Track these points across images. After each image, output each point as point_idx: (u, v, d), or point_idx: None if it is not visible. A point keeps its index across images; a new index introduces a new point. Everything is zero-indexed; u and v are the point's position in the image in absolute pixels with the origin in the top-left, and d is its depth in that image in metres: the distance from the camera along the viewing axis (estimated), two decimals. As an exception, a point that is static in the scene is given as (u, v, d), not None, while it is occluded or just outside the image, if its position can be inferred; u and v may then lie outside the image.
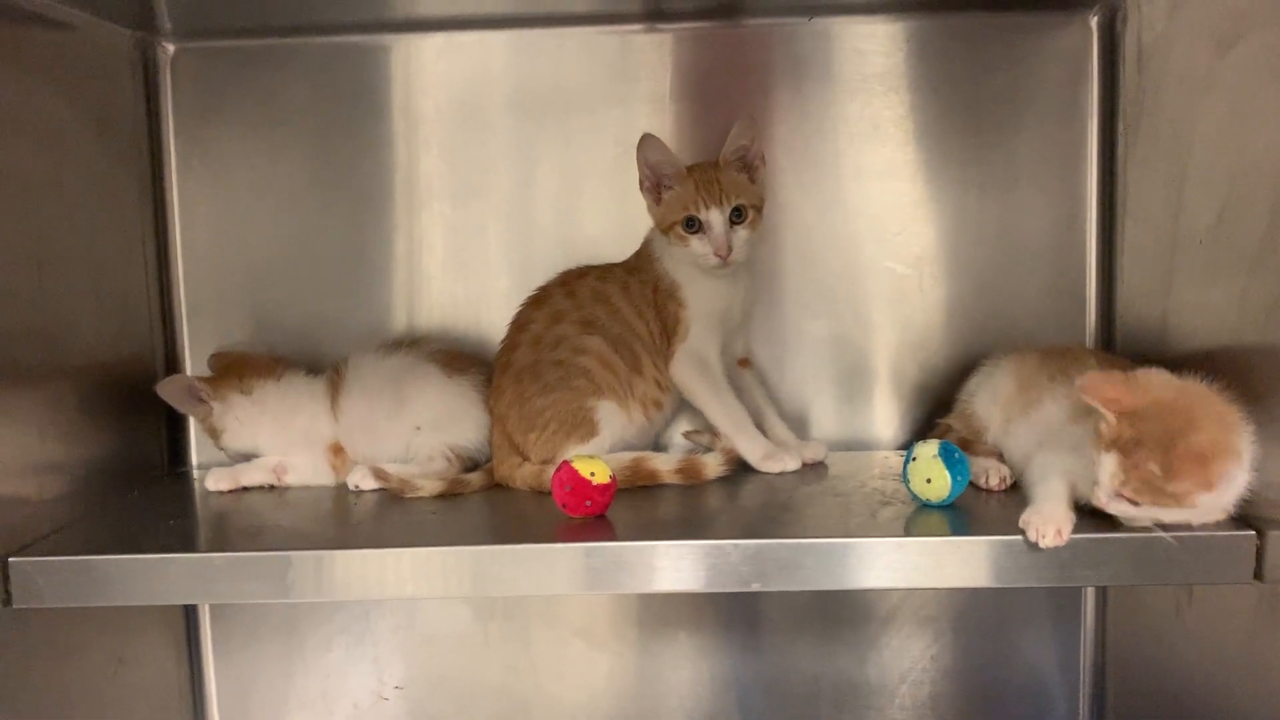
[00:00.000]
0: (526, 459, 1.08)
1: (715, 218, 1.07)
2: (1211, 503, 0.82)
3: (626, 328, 1.11)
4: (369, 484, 1.07)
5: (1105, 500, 0.83)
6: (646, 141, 1.09)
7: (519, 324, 1.14)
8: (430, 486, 1.05)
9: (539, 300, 1.14)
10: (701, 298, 1.11)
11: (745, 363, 1.18)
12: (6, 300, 0.94)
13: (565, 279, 1.15)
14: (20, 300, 0.96)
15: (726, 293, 1.12)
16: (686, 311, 1.11)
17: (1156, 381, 0.85)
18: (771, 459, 1.09)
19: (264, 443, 1.13)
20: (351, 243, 1.24)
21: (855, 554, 0.86)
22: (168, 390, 1.12)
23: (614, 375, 1.09)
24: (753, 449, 1.09)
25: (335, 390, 1.14)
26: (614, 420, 1.08)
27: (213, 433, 1.14)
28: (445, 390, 1.13)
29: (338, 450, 1.13)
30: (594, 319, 1.10)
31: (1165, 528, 0.84)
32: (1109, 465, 0.82)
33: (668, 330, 1.12)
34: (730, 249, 1.06)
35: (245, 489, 1.11)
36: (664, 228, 1.10)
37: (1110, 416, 0.83)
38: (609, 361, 1.09)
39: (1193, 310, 0.98)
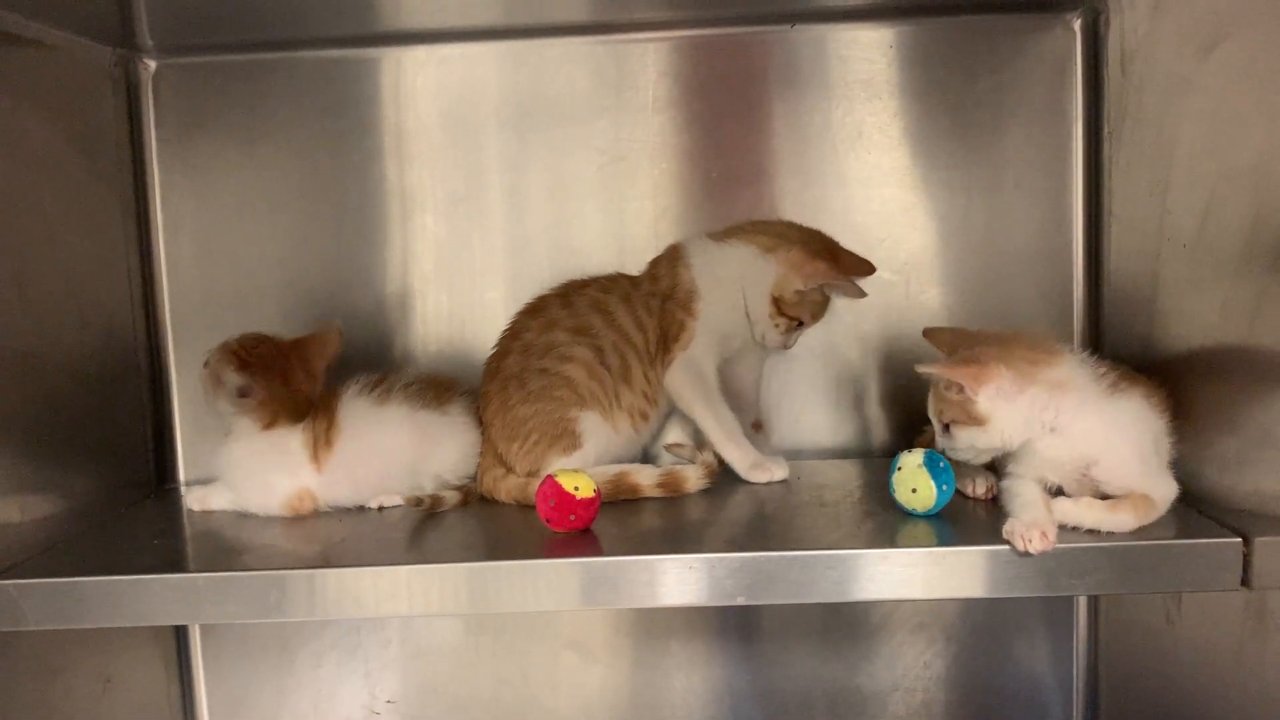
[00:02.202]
0: (510, 470, 1.08)
1: (807, 330, 1.15)
2: (991, 411, 0.89)
3: (621, 336, 1.10)
4: (393, 500, 1.07)
5: (938, 438, 0.94)
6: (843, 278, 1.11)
7: (513, 331, 1.13)
8: (451, 498, 1.06)
9: (535, 309, 1.14)
10: (715, 315, 1.11)
11: (758, 426, 1.19)
12: (-13, 321, 0.94)
13: (565, 289, 1.14)
14: (2, 321, 0.96)
15: (740, 322, 1.13)
16: (695, 322, 1.11)
17: (995, 329, 0.97)
18: (759, 469, 1.08)
19: (226, 473, 1.07)
20: (339, 257, 1.24)
21: (841, 566, 0.85)
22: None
23: (599, 385, 1.08)
24: (741, 459, 1.09)
25: (322, 443, 1.05)
26: (598, 432, 1.08)
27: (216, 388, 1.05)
28: (454, 430, 1.11)
29: (300, 499, 1.05)
30: (588, 327, 1.10)
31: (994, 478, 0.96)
32: (930, 398, 0.95)
33: (668, 338, 1.11)
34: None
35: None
36: (786, 312, 1.11)
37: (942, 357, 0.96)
38: (595, 371, 1.08)
39: (1178, 314, 0.98)
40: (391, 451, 1.07)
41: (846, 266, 1.10)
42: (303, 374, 1.07)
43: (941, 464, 0.92)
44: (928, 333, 1.00)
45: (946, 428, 0.93)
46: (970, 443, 0.91)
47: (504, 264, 1.23)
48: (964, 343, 0.95)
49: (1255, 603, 0.87)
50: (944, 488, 0.91)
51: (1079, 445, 0.89)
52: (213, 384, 1.05)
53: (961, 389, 0.89)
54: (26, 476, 0.98)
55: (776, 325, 1.12)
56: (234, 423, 1.06)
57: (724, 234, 1.14)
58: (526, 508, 1.03)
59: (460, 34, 1.19)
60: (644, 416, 1.12)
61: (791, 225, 1.15)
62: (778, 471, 1.09)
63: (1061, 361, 0.90)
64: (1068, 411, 0.88)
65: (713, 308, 1.11)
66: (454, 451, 1.10)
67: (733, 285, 1.12)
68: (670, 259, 1.14)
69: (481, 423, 1.11)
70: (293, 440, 1.05)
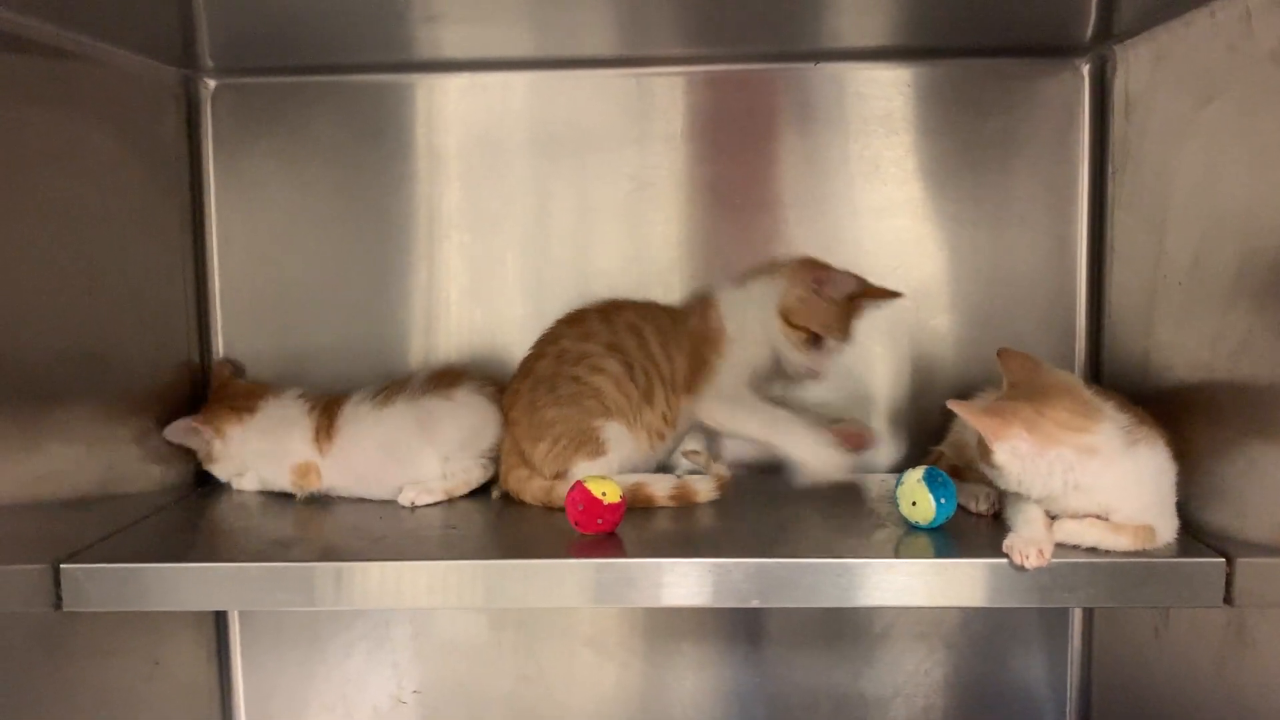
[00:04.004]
0: (534, 470, 1.13)
1: (834, 346, 1.15)
2: (1007, 465, 0.89)
3: (650, 360, 1.15)
4: (425, 499, 1.13)
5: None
6: (836, 274, 1.15)
7: (550, 337, 1.18)
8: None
9: (575, 319, 1.19)
10: (743, 354, 1.16)
11: None
12: (61, 325, 1.00)
13: (605, 306, 1.19)
14: (73, 324, 1.02)
15: (766, 359, 1.17)
16: (723, 363, 1.16)
17: (1060, 374, 0.97)
18: (827, 459, 1.12)
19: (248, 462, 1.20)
20: (376, 270, 1.29)
21: (848, 574, 0.91)
22: (173, 433, 1.17)
23: (625, 399, 1.13)
24: (811, 452, 1.12)
25: (323, 435, 1.17)
26: (622, 442, 1.13)
27: (207, 459, 1.20)
28: (454, 412, 1.17)
29: (305, 470, 1.17)
30: (621, 345, 1.15)
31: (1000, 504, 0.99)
32: None
33: (698, 377, 1.16)
34: (823, 372, 1.17)
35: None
36: (792, 321, 1.15)
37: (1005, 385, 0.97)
38: (623, 385, 1.13)
39: (1171, 347, 1.03)
40: (387, 448, 1.15)
41: (840, 273, 1.15)
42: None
43: (940, 479, 0.98)
44: (1001, 353, 0.99)
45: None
46: (992, 477, 0.93)
47: (531, 282, 1.28)
48: (1025, 376, 0.95)
49: (1236, 619, 0.92)
50: (942, 501, 0.97)
51: (1098, 498, 0.90)
52: (206, 456, 1.20)
53: None
54: (90, 469, 1.04)
55: (791, 341, 1.15)
56: (233, 444, 1.19)
57: (743, 276, 1.20)
58: (551, 510, 1.09)
59: (495, 64, 1.24)
60: (660, 436, 1.17)
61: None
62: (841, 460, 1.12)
63: (1098, 429, 0.89)
64: (1092, 473, 0.89)
65: (740, 346, 1.16)
66: (456, 431, 1.16)
67: (756, 321, 1.16)
68: (703, 305, 1.20)
69: (507, 419, 1.17)
70: (293, 409, 1.19)
